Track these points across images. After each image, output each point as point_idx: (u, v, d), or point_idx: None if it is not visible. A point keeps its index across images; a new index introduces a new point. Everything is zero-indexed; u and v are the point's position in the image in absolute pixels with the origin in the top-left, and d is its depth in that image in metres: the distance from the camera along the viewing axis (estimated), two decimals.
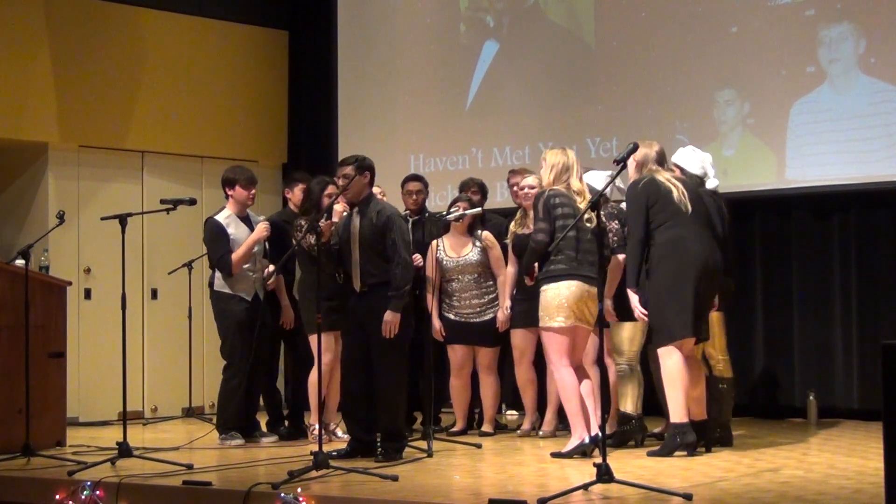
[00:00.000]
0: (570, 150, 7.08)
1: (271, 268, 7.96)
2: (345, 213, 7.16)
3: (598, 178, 7.46)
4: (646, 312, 6.80)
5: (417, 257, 7.84)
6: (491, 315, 8.15)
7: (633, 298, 6.82)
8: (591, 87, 9.67)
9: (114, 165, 10.29)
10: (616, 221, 7.28)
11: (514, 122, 10.03)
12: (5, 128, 9.78)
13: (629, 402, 7.35)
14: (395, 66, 10.76)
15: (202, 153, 10.82)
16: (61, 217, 7.94)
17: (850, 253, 8.68)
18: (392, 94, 10.74)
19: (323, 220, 6.96)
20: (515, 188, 8.12)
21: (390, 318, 6.84)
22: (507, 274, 8.11)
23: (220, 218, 8.04)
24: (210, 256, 8.08)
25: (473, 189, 8.56)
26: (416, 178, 8.67)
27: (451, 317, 8.17)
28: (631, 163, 6.86)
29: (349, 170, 6.97)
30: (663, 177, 6.86)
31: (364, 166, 6.99)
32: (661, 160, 6.98)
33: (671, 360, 6.73)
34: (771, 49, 8.83)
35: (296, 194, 8.30)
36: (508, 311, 8.05)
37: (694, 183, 7.05)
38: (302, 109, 11.39)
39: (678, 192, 6.79)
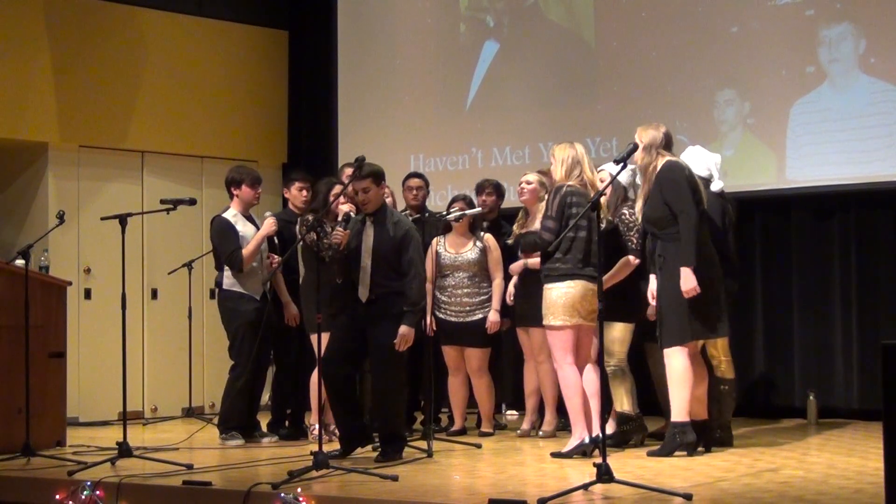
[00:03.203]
0: (578, 143, 7.07)
1: (277, 259, 7.96)
2: (350, 213, 7.12)
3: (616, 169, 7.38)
4: (699, 291, 6.63)
5: None
6: (480, 315, 8.12)
7: (691, 276, 6.57)
8: (591, 87, 9.67)
9: (114, 165, 10.29)
10: (634, 233, 7.21)
11: (514, 122, 10.03)
12: (5, 128, 9.79)
13: (624, 402, 7.35)
14: (395, 66, 10.76)
15: (202, 153, 10.82)
16: (61, 217, 7.95)
17: (850, 253, 8.68)
18: (392, 94, 10.74)
19: (340, 230, 6.93)
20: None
21: (406, 332, 6.81)
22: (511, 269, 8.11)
23: (228, 216, 8.05)
24: (219, 254, 8.05)
25: (489, 190, 8.48)
26: (417, 175, 8.69)
27: (441, 316, 8.14)
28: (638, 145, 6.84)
29: (368, 183, 6.89)
30: (689, 168, 6.82)
31: (382, 176, 6.97)
32: (669, 143, 6.89)
33: (678, 360, 6.71)
34: (771, 49, 8.83)
35: (292, 193, 8.32)
36: (503, 310, 8.08)
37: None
38: (302, 109, 11.40)
39: (703, 187, 6.78)
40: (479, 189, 8.55)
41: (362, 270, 6.92)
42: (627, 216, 7.25)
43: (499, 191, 8.60)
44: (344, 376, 6.95)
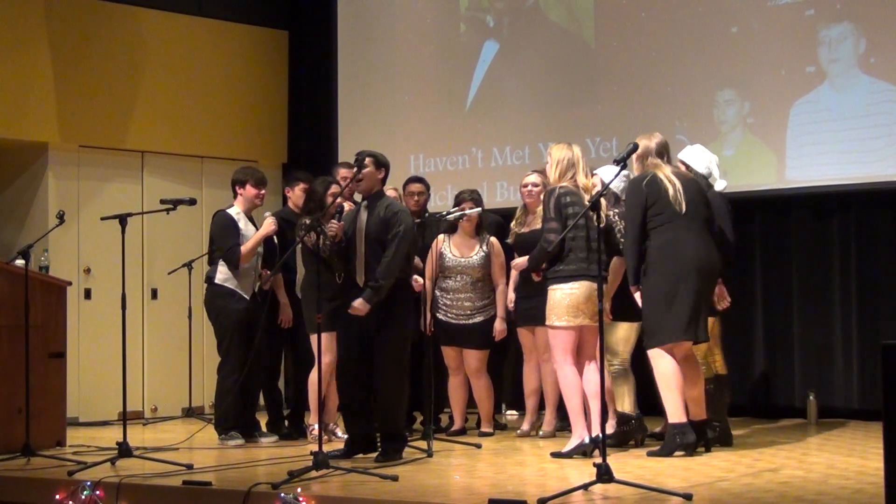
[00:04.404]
0: (576, 145, 7.08)
1: (266, 272, 7.99)
2: (343, 205, 7.15)
3: (612, 173, 7.39)
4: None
5: (418, 279, 7.80)
6: (481, 318, 8.12)
7: (637, 296, 6.81)
8: (591, 87, 9.67)
9: (114, 165, 10.29)
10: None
11: (514, 122, 10.03)
12: (5, 128, 9.79)
13: (626, 402, 7.36)
14: (395, 66, 10.76)
15: (202, 153, 10.82)
16: (61, 217, 7.95)
17: (850, 253, 8.68)
18: (392, 94, 10.75)
19: (334, 222, 6.94)
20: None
21: (359, 306, 6.79)
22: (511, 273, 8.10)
23: (231, 212, 8.06)
24: (218, 247, 8.05)
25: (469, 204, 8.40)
26: (418, 179, 8.68)
27: (441, 318, 8.13)
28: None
29: (368, 161, 6.98)
30: (663, 174, 6.81)
31: (382, 162, 7.03)
32: (662, 152, 6.90)
33: (663, 362, 6.72)
34: (771, 49, 8.83)
35: (296, 193, 8.32)
36: (512, 308, 8.07)
37: (699, 182, 7.01)
38: (302, 109, 11.40)
39: (674, 190, 6.74)
40: (463, 196, 8.42)
41: (357, 255, 6.94)
42: (616, 219, 7.24)
43: (477, 203, 8.48)
44: (359, 382, 6.96)
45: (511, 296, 8.07)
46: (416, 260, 7.72)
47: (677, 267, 6.69)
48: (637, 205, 6.79)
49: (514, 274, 8.05)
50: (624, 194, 7.49)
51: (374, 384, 6.94)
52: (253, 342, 7.84)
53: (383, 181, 7.10)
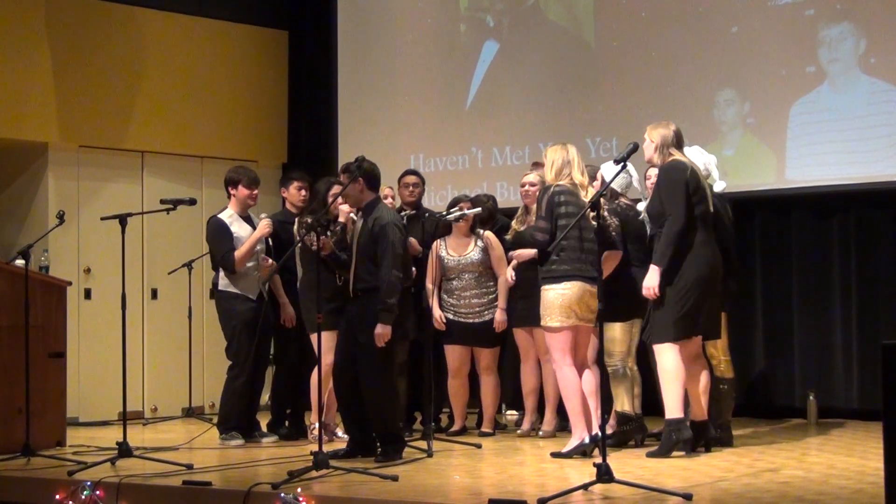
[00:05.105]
0: (571, 145, 7.07)
1: (271, 262, 7.97)
2: (351, 214, 7.15)
3: (614, 171, 7.36)
4: (657, 294, 6.67)
5: (413, 241, 7.85)
6: (490, 315, 8.13)
7: (656, 275, 6.65)
8: (591, 87, 9.67)
9: (114, 165, 10.29)
10: (616, 219, 7.23)
11: (514, 121, 10.03)
12: (5, 128, 9.78)
13: (624, 402, 7.35)
14: (395, 66, 10.76)
15: (202, 153, 10.82)
16: (61, 217, 7.95)
17: (850, 253, 8.68)
18: (392, 94, 10.74)
19: (324, 237, 6.92)
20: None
21: (381, 331, 6.78)
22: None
23: (223, 216, 8.06)
24: (213, 254, 8.07)
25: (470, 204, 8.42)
26: (412, 172, 8.68)
27: (450, 316, 8.15)
28: (650, 144, 6.81)
29: (344, 178, 6.99)
30: (697, 168, 6.79)
31: (356, 173, 6.92)
32: (680, 142, 6.87)
33: (667, 357, 6.70)
34: (771, 49, 8.83)
35: (291, 192, 8.33)
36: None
37: None
38: (302, 109, 11.40)
39: (707, 186, 6.76)
40: (460, 198, 8.44)
41: (351, 267, 6.97)
42: (611, 218, 7.22)
43: (491, 208, 8.52)
44: (351, 383, 6.95)
45: (511, 273, 8.06)
46: (412, 241, 7.77)
47: (695, 272, 6.66)
48: (682, 192, 6.65)
49: (513, 263, 8.02)
50: (624, 190, 7.49)
51: (364, 388, 6.90)
52: (262, 343, 7.85)
53: (371, 186, 7.02)
